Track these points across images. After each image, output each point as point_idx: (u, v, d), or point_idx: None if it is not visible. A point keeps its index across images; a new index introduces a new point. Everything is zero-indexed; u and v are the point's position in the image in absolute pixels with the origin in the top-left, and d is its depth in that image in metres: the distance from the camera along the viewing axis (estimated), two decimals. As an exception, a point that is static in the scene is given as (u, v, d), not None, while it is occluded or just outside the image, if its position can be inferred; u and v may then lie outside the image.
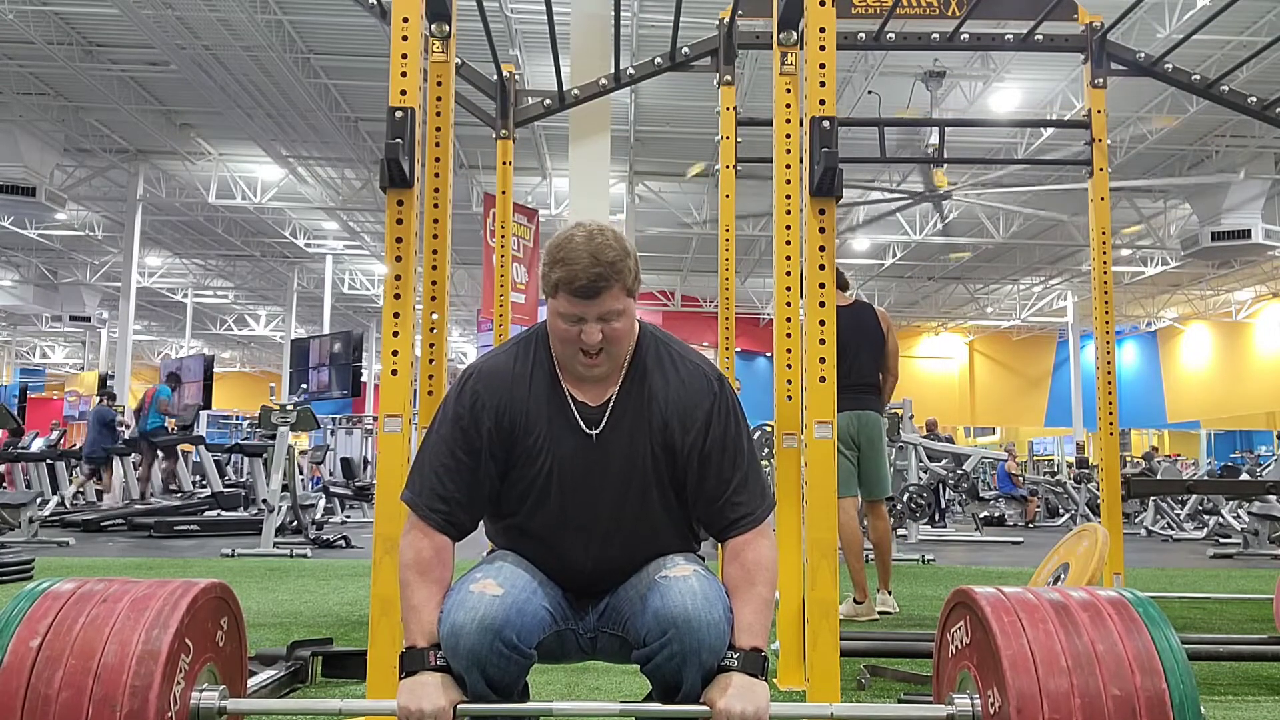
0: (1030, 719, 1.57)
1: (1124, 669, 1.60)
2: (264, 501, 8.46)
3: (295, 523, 8.85)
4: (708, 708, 1.68)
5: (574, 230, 1.79)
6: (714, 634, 1.69)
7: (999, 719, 1.65)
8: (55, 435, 14.68)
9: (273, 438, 8.43)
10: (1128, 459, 18.20)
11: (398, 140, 2.46)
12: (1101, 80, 4.45)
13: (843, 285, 5.12)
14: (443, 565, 1.81)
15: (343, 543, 8.56)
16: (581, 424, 1.84)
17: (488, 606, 1.68)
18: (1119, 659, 1.62)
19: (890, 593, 4.96)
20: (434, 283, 2.85)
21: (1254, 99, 4.62)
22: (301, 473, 11.10)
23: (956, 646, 1.87)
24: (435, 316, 2.88)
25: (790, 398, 3.30)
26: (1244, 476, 12.78)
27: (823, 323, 2.57)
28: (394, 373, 2.51)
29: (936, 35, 4.62)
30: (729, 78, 4.14)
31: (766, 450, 7.11)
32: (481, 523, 1.96)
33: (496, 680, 1.71)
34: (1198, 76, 4.66)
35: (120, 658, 1.62)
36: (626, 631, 1.82)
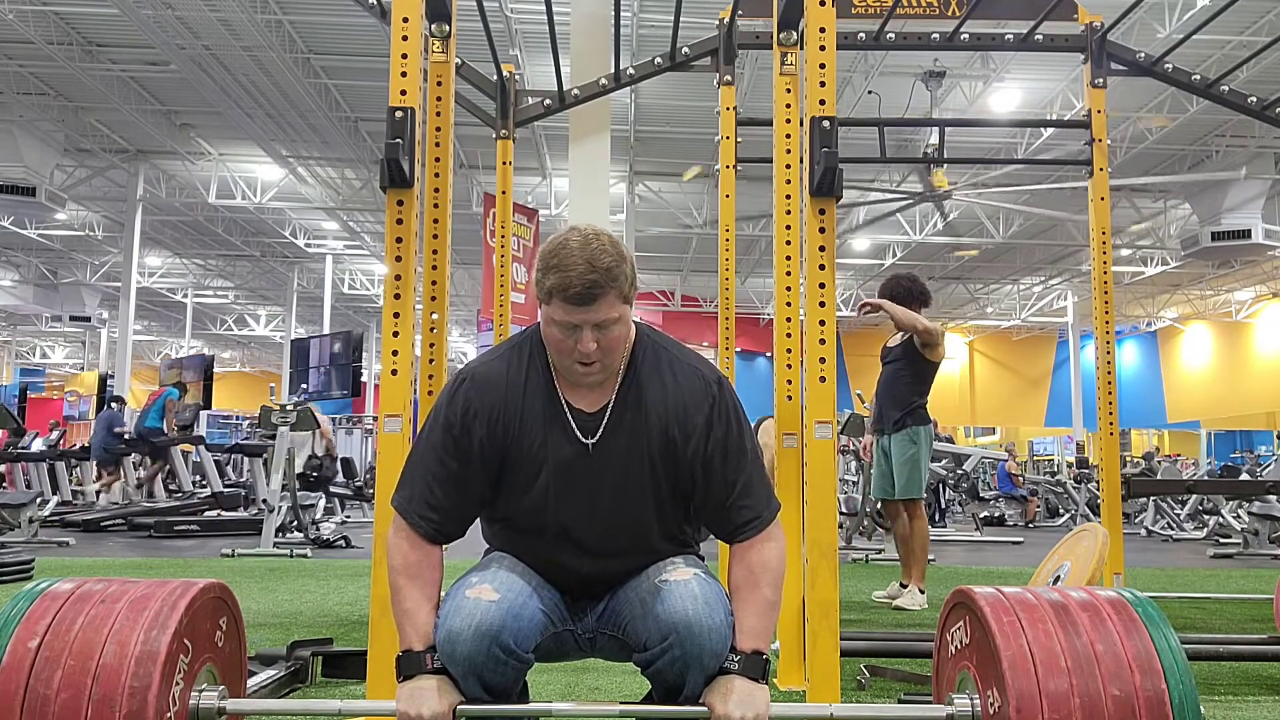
0: (1029, 719, 1.57)
1: (1124, 669, 1.60)
2: (264, 501, 8.46)
3: (295, 523, 8.85)
4: (707, 710, 1.68)
5: (568, 235, 1.74)
6: (715, 639, 1.68)
7: (998, 719, 1.65)
8: (55, 435, 14.68)
9: (273, 438, 8.43)
10: (1128, 459, 18.18)
11: (398, 140, 2.46)
12: (1101, 80, 4.45)
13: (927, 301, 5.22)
14: (432, 568, 1.80)
15: (343, 543, 8.55)
16: (578, 433, 1.81)
17: (484, 613, 1.68)
18: (1119, 659, 1.61)
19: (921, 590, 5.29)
20: (434, 283, 2.85)
21: (1254, 99, 4.62)
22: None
23: (956, 647, 1.87)
24: (435, 316, 2.88)
25: (790, 398, 3.30)
26: (1244, 476, 12.77)
27: (823, 323, 2.56)
28: (394, 373, 2.51)
29: (936, 35, 4.62)
30: (729, 78, 4.14)
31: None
32: (478, 521, 1.95)
33: (494, 685, 1.70)
34: (1198, 76, 4.66)
35: (119, 658, 1.61)
36: (626, 635, 1.81)
